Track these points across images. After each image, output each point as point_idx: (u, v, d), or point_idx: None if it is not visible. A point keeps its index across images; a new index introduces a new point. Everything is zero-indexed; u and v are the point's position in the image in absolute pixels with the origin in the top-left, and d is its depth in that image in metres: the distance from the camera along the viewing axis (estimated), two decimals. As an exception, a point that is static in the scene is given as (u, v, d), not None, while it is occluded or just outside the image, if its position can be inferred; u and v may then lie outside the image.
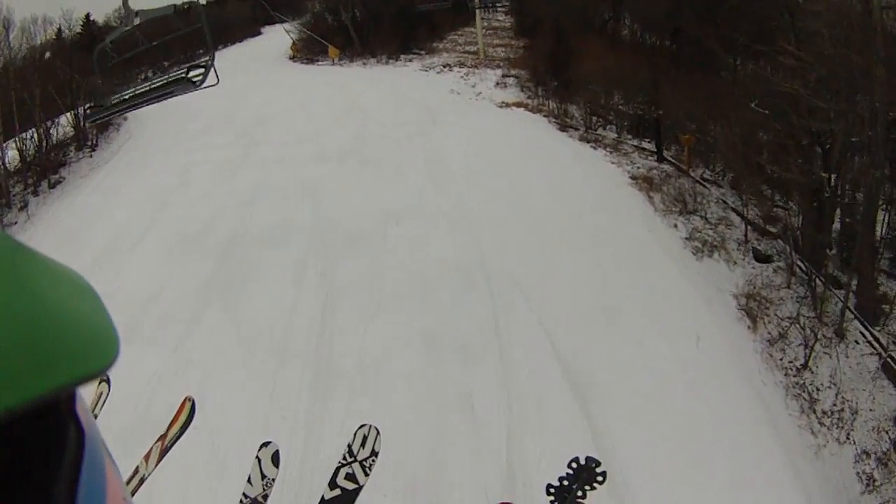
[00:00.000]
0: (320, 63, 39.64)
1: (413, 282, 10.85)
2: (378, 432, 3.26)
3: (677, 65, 28.06)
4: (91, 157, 23.66)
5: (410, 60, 37.77)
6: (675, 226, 15.17)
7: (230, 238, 13.71)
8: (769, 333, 11.90)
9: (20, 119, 22.89)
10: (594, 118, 23.21)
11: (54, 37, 35.31)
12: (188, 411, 3.83)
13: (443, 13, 45.56)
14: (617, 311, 11.20)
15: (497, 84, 28.92)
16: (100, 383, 4.23)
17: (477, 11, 40.63)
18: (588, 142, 20.85)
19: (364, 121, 21.99)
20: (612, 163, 19.24)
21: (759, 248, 14.70)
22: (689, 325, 11.26)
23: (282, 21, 41.13)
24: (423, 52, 41.14)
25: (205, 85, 7.64)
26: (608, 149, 20.11)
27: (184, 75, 8.10)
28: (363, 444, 3.22)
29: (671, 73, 25.84)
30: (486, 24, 50.49)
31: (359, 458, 3.18)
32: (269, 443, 3.38)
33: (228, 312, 11.39)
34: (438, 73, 32.68)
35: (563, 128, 22.35)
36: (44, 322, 0.33)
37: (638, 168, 19.01)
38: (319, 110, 23.94)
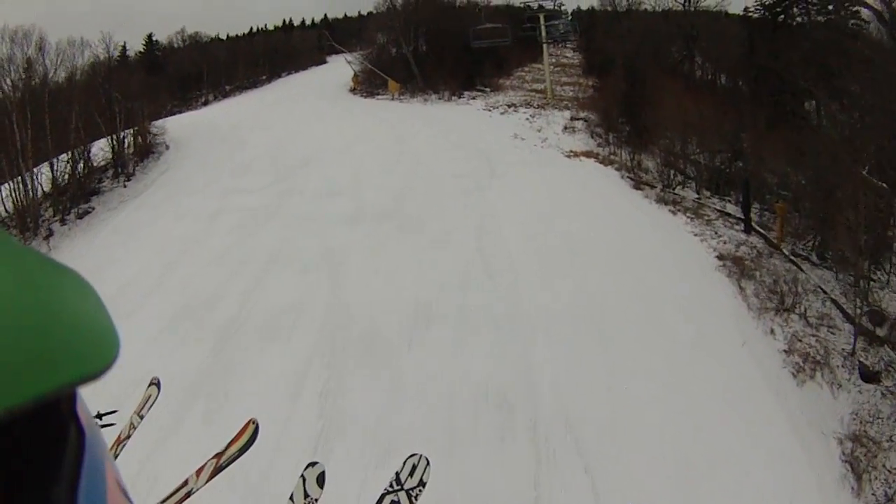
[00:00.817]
0: (380, 97, 38.21)
1: (436, 422, 8.21)
2: (428, 462, 3.16)
3: (757, 111, 24.83)
4: (125, 186, 22.37)
5: (474, 98, 35.75)
6: (772, 331, 12.19)
7: (233, 318, 11.50)
8: (875, 497, 8.63)
9: (56, 140, 21.84)
10: (671, 172, 20.32)
11: (116, 57, 35.19)
12: (251, 433, 3.58)
13: (509, 48, 43.59)
14: (708, 474, 8.21)
15: (565, 128, 26.41)
16: (149, 386, 4.36)
17: (544, 47, 38.37)
18: (666, 204, 18.30)
19: (414, 169, 20.02)
20: (695, 234, 16.47)
21: (866, 361, 11.50)
22: (786, 489, 8.19)
23: (344, 52, 40.11)
24: (487, 90, 39.10)
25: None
26: (688, 214, 17.44)
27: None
28: (411, 474, 3.14)
29: (753, 120, 22.79)
30: (553, 60, 48.20)
31: (405, 486, 3.11)
32: (315, 463, 3.36)
33: (210, 425, 9.06)
34: (502, 113, 30.43)
35: (638, 184, 19.77)
36: (43, 322, 0.32)
37: (724, 242, 16.23)
38: (367, 153, 22.10)
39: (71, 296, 0.36)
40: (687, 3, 35.38)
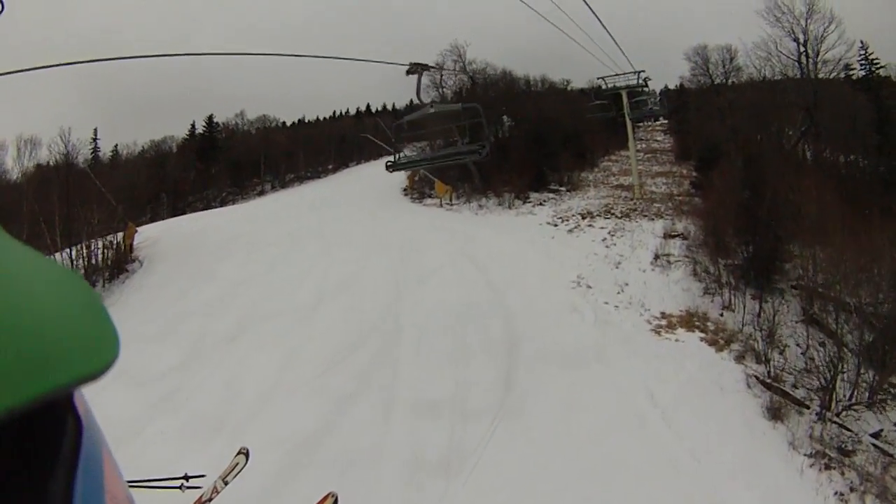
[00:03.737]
0: (428, 202, 32.83)
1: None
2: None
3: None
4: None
5: (542, 203, 29.39)
6: None
7: None
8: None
9: None
10: (836, 367, 12.56)
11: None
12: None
13: (596, 132, 37.33)
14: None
15: (656, 258, 19.13)
16: (237, 454, 4.54)
17: (629, 128, 31.53)
18: (832, 452, 10.35)
19: (391, 389, 12.21)
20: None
21: None
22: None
23: (387, 147, 35.60)
24: (563, 189, 32.66)
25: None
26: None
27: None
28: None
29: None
30: (643, 145, 41.15)
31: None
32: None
33: None
34: (571, 230, 23.68)
35: (783, 396, 11.99)
36: (43, 322, 0.33)
37: None
38: (349, 327, 15.20)
39: (69, 296, 0.36)
40: (806, 66, 27.60)
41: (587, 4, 16.65)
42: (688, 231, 22.02)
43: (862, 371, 12.29)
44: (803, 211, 17.25)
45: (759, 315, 16.00)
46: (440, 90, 37.22)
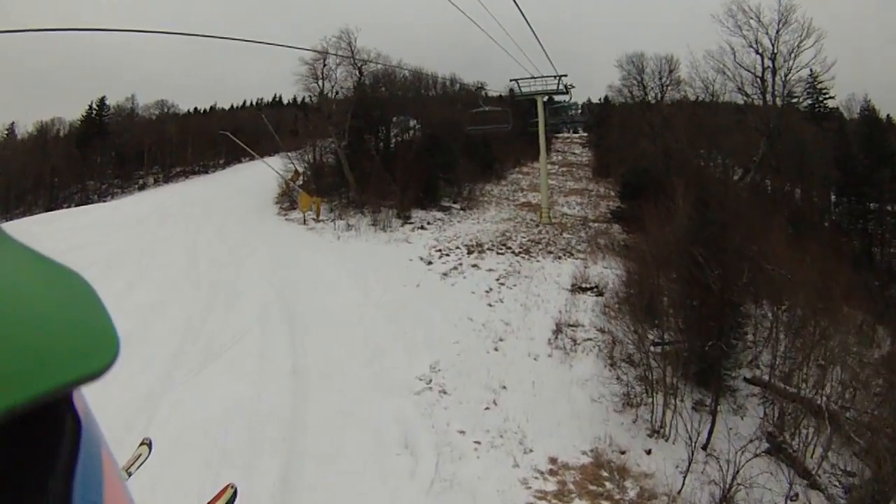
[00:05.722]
0: (292, 216, 25.50)
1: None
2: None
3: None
4: None
5: (425, 226, 22.71)
6: None
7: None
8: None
9: None
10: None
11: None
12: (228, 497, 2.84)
13: (508, 142, 31.07)
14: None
15: (557, 333, 12.68)
16: (140, 445, 3.85)
17: (541, 140, 25.15)
18: None
19: None
20: None
21: None
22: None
23: (254, 156, 28.02)
24: (455, 206, 26.12)
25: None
26: None
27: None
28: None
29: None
30: (559, 157, 35.37)
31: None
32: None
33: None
34: (446, 274, 17.02)
35: None
36: (43, 322, 0.33)
37: None
38: None
39: (70, 296, 0.36)
40: (772, 83, 22.09)
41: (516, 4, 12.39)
42: (604, 283, 15.87)
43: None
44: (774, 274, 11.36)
45: (706, 446, 9.86)
46: (320, 82, 29.66)
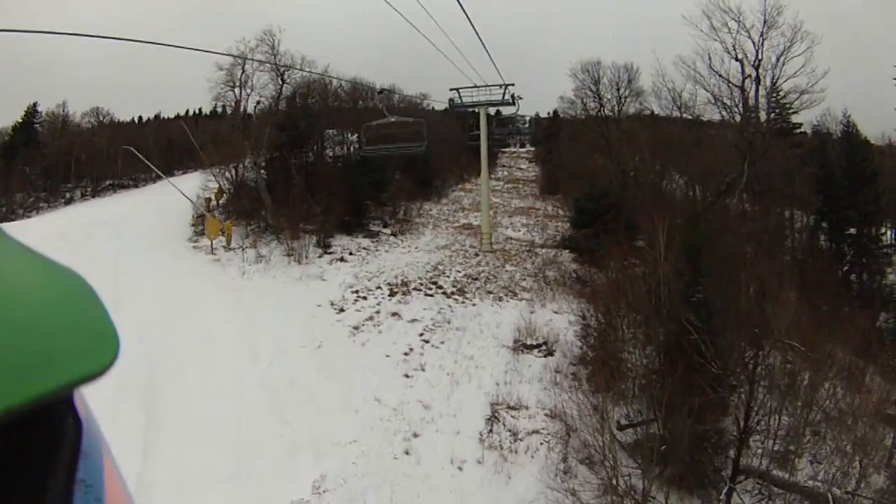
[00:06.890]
0: (201, 242, 21.57)
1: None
2: None
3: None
4: None
5: (346, 258, 19.38)
6: None
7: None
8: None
9: None
10: None
11: None
12: None
13: (455, 157, 28.05)
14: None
15: (492, 421, 9.64)
16: None
17: (483, 155, 21.81)
18: None
19: None
20: None
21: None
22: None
23: (162, 177, 24.03)
24: (385, 231, 22.74)
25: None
26: None
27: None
28: None
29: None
30: (504, 172, 32.39)
31: None
32: None
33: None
34: (361, 324, 13.53)
35: None
36: (44, 323, 0.33)
37: None
38: None
39: (71, 296, 0.36)
40: (756, 93, 19.34)
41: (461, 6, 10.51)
42: (554, 335, 12.75)
43: None
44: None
45: None
46: (237, 90, 25.78)
